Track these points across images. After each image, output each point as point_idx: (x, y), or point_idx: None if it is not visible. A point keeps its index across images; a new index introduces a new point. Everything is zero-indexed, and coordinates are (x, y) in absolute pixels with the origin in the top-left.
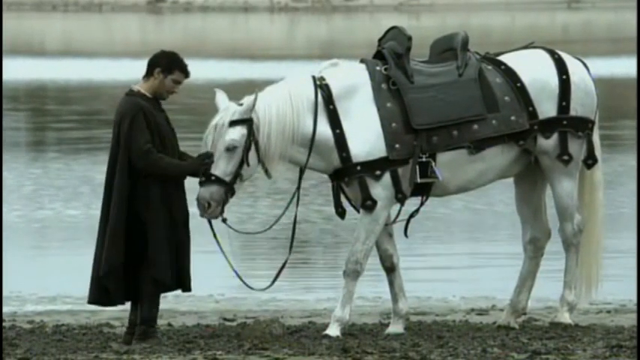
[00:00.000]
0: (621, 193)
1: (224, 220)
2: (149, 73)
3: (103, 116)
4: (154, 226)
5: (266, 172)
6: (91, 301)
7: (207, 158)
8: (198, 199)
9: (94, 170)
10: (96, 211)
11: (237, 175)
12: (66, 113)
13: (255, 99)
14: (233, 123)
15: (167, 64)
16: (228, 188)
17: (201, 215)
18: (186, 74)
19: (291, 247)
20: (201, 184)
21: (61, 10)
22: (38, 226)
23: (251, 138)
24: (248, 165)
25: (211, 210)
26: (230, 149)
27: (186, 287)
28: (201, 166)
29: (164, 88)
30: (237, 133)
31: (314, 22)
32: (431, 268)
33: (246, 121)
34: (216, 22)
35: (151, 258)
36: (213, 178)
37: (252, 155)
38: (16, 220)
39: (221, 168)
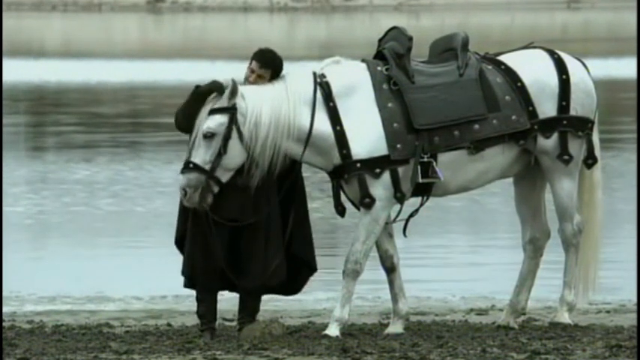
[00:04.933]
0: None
1: (207, 210)
2: None
3: (103, 118)
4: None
5: (253, 161)
6: (220, 288)
7: (219, 87)
8: (179, 187)
9: (92, 171)
10: (96, 211)
11: (217, 164)
12: (64, 114)
13: (234, 87)
14: (212, 112)
15: (250, 59)
16: (209, 176)
17: (184, 203)
18: (260, 61)
19: (283, 241)
20: (182, 171)
21: (60, 10)
22: (41, 225)
23: (232, 126)
24: (225, 153)
25: (188, 197)
26: (207, 137)
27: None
28: (212, 88)
29: (248, 80)
30: (215, 122)
31: (313, 22)
32: (430, 267)
33: (227, 110)
34: (216, 22)
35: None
36: (191, 165)
37: (233, 144)
38: (17, 218)
39: (200, 156)
